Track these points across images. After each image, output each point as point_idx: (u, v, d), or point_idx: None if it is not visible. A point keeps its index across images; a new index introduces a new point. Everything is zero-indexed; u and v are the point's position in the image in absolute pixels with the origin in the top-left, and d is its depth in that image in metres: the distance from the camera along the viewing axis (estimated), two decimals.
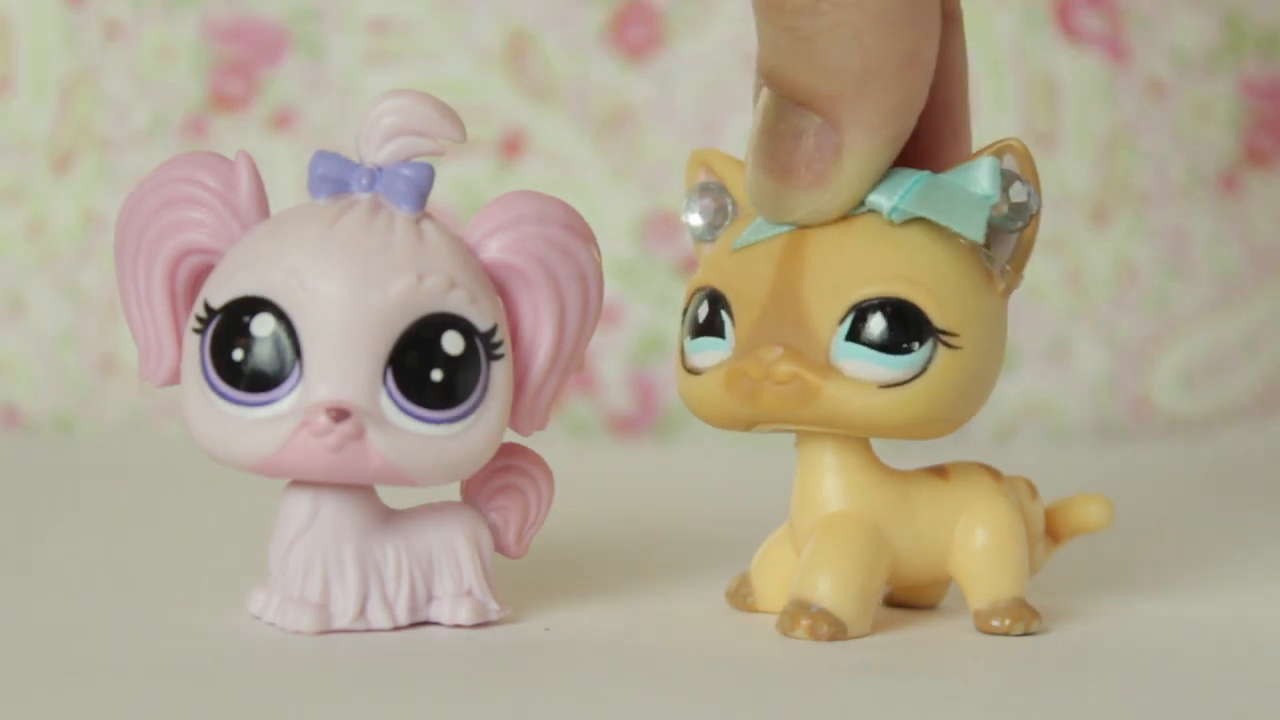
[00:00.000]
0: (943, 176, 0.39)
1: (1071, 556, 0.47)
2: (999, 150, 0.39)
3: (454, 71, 0.74)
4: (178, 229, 0.39)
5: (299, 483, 0.39)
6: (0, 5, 0.74)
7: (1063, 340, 0.75)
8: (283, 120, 0.74)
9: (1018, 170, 0.39)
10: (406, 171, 0.39)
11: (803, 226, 0.39)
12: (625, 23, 0.75)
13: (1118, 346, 0.75)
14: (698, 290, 0.40)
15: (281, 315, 0.37)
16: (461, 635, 0.39)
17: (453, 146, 0.39)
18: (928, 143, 0.40)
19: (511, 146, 0.74)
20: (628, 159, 0.74)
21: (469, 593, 0.40)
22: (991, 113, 0.75)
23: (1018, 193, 0.39)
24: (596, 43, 0.74)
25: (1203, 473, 0.68)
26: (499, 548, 0.41)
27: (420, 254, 0.38)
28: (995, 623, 0.40)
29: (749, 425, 0.40)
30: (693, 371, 0.40)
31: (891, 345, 0.38)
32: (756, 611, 0.42)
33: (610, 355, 0.74)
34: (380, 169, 0.39)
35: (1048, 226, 0.69)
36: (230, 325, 0.38)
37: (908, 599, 0.43)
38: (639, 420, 0.74)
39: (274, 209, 0.39)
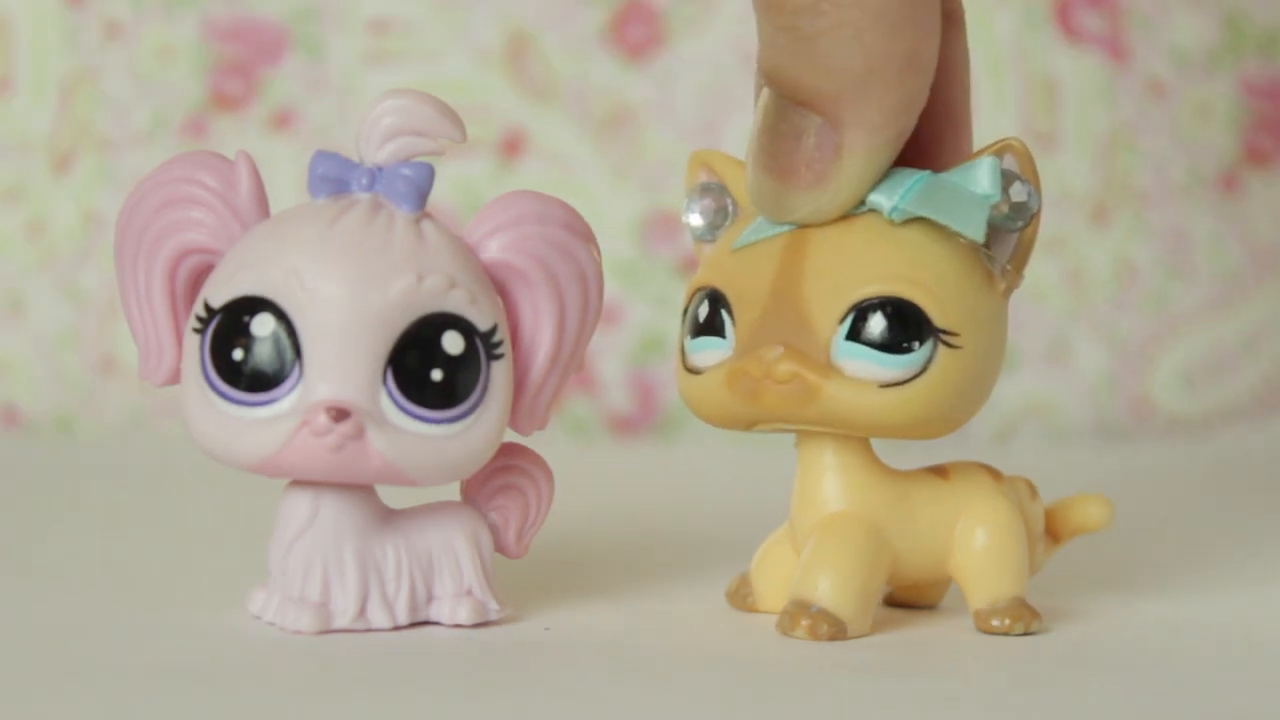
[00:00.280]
0: (943, 176, 0.39)
1: (1071, 556, 0.47)
2: (999, 150, 0.39)
3: (454, 71, 0.74)
4: (178, 229, 0.39)
5: (299, 483, 0.39)
6: (0, 5, 0.74)
7: (1063, 340, 0.75)
8: (283, 120, 0.74)
9: (1018, 170, 0.39)
10: (406, 171, 0.39)
11: (803, 226, 0.39)
12: (625, 23, 0.75)
13: (1118, 346, 0.75)
14: (698, 290, 0.40)
15: (281, 315, 0.37)
16: (461, 635, 0.39)
17: (453, 146, 0.39)
18: (929, 143, 0.40)
19: (511, 146, 0.74)
20: (628, 159, 0.74)
21: (469, 593, 0.40)
22: (991, 113, 0.75)
23: (1018, 192, 0.39)
24: (596, 43, 0.74)
25: (1203, 473, 0.68)
26: (499, 548, 0.41)
27: (420, 254, 0.38)
28: (995, 623, 0.40)
29: (749, 425, 0.40)
30: (693, 371, 0.40)
31: (892, 345, 0.38)
32: (756, 611, 0.42)
33: (610, 355, 0.74)
34: (380, 169, 0.39)
35: (1048, 226, 0.69)
36: (230, 325, 0.38)
37: (908, 599, 0.43)
38: (639, 420, 0.74)
39: (274, 209, 0.39)
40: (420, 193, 0.39)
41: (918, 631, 0.41)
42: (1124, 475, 0.65)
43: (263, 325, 0.37)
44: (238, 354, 0.37)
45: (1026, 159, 0.40)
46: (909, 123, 0.39)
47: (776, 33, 0.38)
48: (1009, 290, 0.40)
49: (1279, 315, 0.77)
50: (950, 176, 0.39)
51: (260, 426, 0.37)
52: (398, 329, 0.38)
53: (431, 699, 0.35)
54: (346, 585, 0.39)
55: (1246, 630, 0.41)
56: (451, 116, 0.39)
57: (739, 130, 0.73)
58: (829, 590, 0.39)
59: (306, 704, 0.34)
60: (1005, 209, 0.39)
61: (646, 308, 0.74)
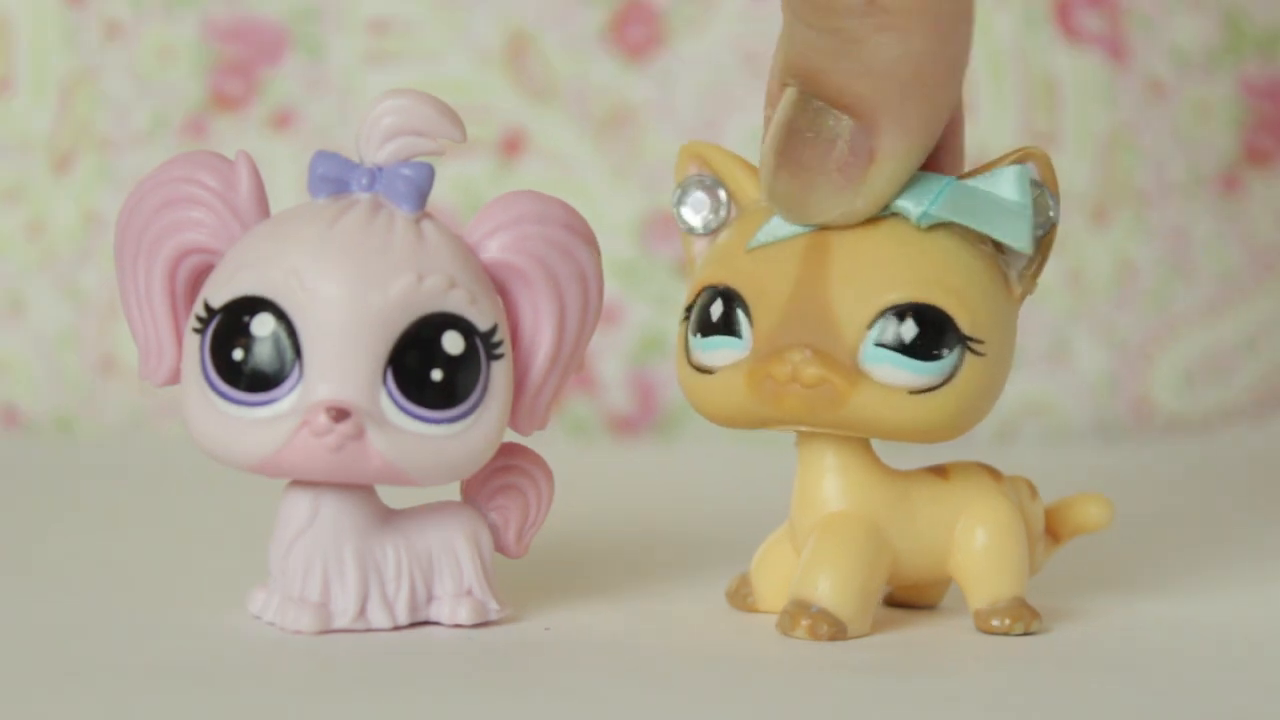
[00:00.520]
0: (968, 183, 0.39)
1: (1071, 556, 0.47)
2: (1021, 157, 0.39)
3: (454, 71, 0.74)
4: (178, 229, 0.39)
5: (299, 483, 0.39)
6: (0, 5, 0.74)
7: (1063, 340, 0.75)
8: (283, 120, 0.74)
9: (1039, 178, 0.39)
10: (406, 171, 0.39)
11: (824, 228, 0.39)
12: (625, 23, 0.75)
13: (1118, 346, 0.75)
14: (708, 288, 0.40)
15: (281, 315, 0.37)
16: (461, 635, 0.39)
17: (453, 146, 0.39)
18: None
19: (511, 146, 0.74)
20: (628, 159, 0.74)
21: (469, 593, 0.40)
22: (991, 113, 0.75)
23: (1045, 204, 0.39)
24: (596, 43, 0.74)
25: (1203, 473, 0.68)
26: (499, 548, 0.41)
27: (420, 254, 0.38)
28: (995, 623, 0.40)
29: (762, 425, 0.39)
30: (702, 370, 0.40)
31: (922, 351, 0.38)
32: (756, 611, 0.42)
33: (610, 355, 0.74)
34: (380, 169, 0.39)
35: None
36: (230, 325, 0.38)
37: (908, 599, 0.43)
38: (639, 420, 0.74)
39: (274, 209, 0.39)
40: (420, 193, 0.39)
41: (918, 631, 0.41)
42: (1124, 475, 0.65)
43: (263, 325, 0.37)
44: (238, 354, 0.38)
45: (1048, 167, 0.40)
46: (941, 127, 0.38)
47: (819, 34, 0.37)
48: (1023, 296, 0.40)
49: (1279, 315, 0.77)
50: (976, 183, 0.39)
51: (260, 426, 0.37)
52: (398, 329, 0.38)
53: (431, 699, 0.35)
54: (346, 585, 0.39)
55: (1246, 630, 0.41)
56: (451, 116, 0.39)
57: (739, 130, 0.73)
58: (829, 590, 0.39)
59: (306, 704, 0.34)
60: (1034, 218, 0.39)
61: (646, 308, 0.74)
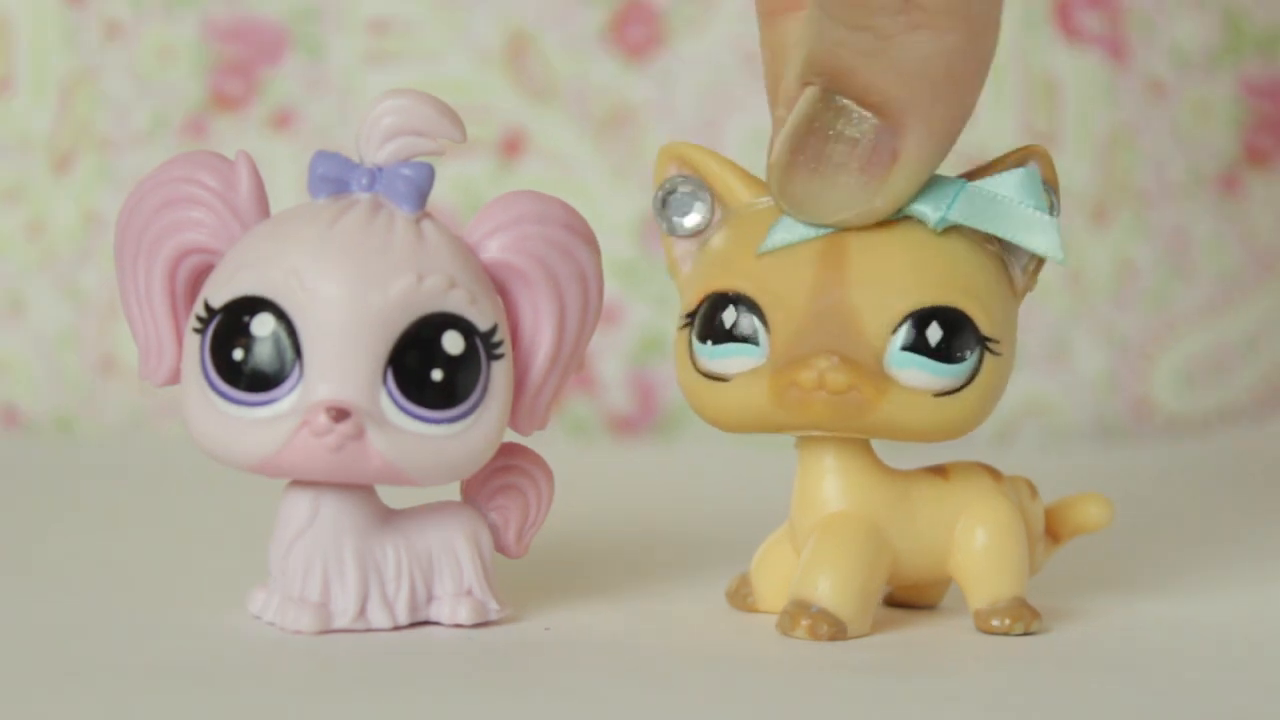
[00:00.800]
0: (980, 186, 0.39)
1: (1071, 556, 0.47)
2: (1023, 157, 0.39)
3: (454, 71, 0.74)
4: (178, 229, 0.39)
5: (299, 483, 0.39)
6: (0, 5, 0.74)
7: (1063, 340, 0.75)
8: (283, 120, 0.74)
9: (1043, 177, 0.39)
10: (406, 171, 0.39)
11: (838, 231, 0.39)
12: (625, 23, 0.75)
13: (1118, 346, 0.75)
14: (716, 294, 0.39)
15: (281, 315, 0.37)
16: (461, 635, 0.39)
17: (453, 146, 0.39)
18: None
19: (511, 146, 0.74)
20: (628, 159, 0.74)
21: (469, 592, 0.40)
22: (991, 113, 0.75)
23: (1049, 202, 0.39)
24: (596, 43, 0.74)
25: (1203, 473, 0.68)
26: (499, 548, 0.41)
27: (420, 254, 0.38)
28: (995, 623, 0.40)
29: (776, 430, 0.39)
30: (713, 378, 0.39)
31: (946, 354, 0.38)
32: (756, 611, 0.42)
33: (610, 355, 0.74)
34: (380, 169, 0.39)
35: None
36: (230, 325, 0.38)
37: (908, 599, 0.43)
38: (639, 420, 0.74)
39: (274, 209, 0.39)
40: (420, 193, 0.39)
41: (918, 631, 0.41)
42: (1124, 475, 0.65)
43: (263, 325, 0.37)
44: (238, 354, 0.38)
45: (1049, 166, 0.40)
46: (962, 129, 0.38)
47: (850, 30, 0.37)
48: (1023, 294, 0.40)
49: (1279, 315, 0.77)
50: (987, 186, 0.39)
51: (260, 426, 0.37)
52: (398, 329, 0.38)
53: (431, 699, 0.35)
54: (346, 585, 0.39)
55: (1246, 630, 0.41)
56: (451, 116, 0.39)
57: (739, 130, 0.73)
58: (829, 590, 0.39)
59: (306, 704, 0.34)
60: None
61: (646, 308, 0.74)
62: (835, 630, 0.39)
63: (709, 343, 0.39)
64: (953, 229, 0.39)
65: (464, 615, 0.39)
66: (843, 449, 0.40)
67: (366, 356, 0.37)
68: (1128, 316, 0.76)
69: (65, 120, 0.74)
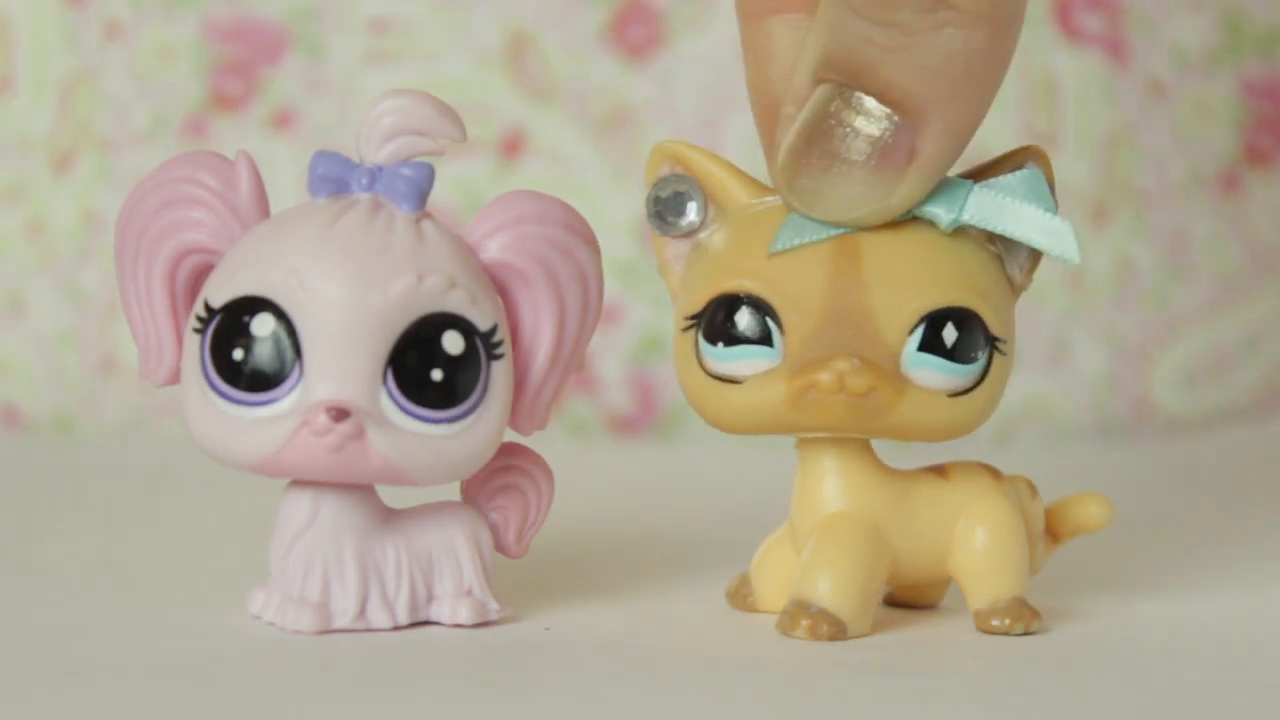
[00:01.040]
0: (987, 188, 0.39)
1: (1071, 556, 0.47)
2: (1023, 158, 0.39)
3: (454, 71, 0.74)
4: (178, 229, 0.39)
5: (299, 482, 0.39)
6: (0, 5, 0.74)
7: (1063, 340, 0.75)
8: (283, 120, 0.74)
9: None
10: (406, 171, 0.39)
11: (848, 231, 0.39)
12: (625, 23, 0.75)
13: (1118, 346, 0.75)
14: (726, 295, 0.39)
15: (281, 315, 0.37)
16: (461, 635, 0.39)
17: (453, 146, 0.39)
18: None
19: (511, 146, 0.74)
20: (628, 159, 0.74)
21: (469, 592, 0.40)
22: (992, 112, 0.75)
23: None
24: (596, 43, 0.74)
25: (1203, 473, 0.68)
26: (499, 548, 0.41)
27: (420, 254, 0.38)
28: (995, 622, 0.40)
29: (787, 432, 0.39)
30: (725, 380, 0.39)
31: (961, 354, 0.38)
32: (756, 611, 0.42)
33: (610, 355, 0.74)
34: (380, 169, 0.39)
35: None
36: (230, 325, 0.38)
37: (908, 599, 0.43)
38: (639, 420, 0.74)
39: (274, 209, 0.39)
40: (420, 193, 0.39)
41: (918, 631, 0.41)
42: (1124, 475, 0.65)
43: (263, 325, 0.37)
44: (238, 354, 0.38)
45: (1047, 165, 0.40)
46: (977, 129, 0.38)
47: (873, 26, 0.37)
48: (1019, 293, 0.40)
49: (1279, 315, 0.77)
50: (993, 187, 0.39)
51: (260, 426, 0.37)
52: (398, 329, 0.38)
53: (431, 699, 0.35)
54: (346, 585, 0.39)
55: (1246, 630, 0.41)
56: (451, 116, 0.39)
57: (739, 130, 0.73)
58: (829, 590, 0.39)
59: (306, 704, 0.34)
60: None
61: (646, 308, 0.74)
62: (835, 630, 0.39)
63: (719, 345, 0.39)
64: (957, 229, 0.39)
65: (464, 615, 0.39)
66: (843, 449, 0.40)
67: (366, 356, 0.37)
68: (1128, 316, 0.76)
69: (65, 120, 0.74)
